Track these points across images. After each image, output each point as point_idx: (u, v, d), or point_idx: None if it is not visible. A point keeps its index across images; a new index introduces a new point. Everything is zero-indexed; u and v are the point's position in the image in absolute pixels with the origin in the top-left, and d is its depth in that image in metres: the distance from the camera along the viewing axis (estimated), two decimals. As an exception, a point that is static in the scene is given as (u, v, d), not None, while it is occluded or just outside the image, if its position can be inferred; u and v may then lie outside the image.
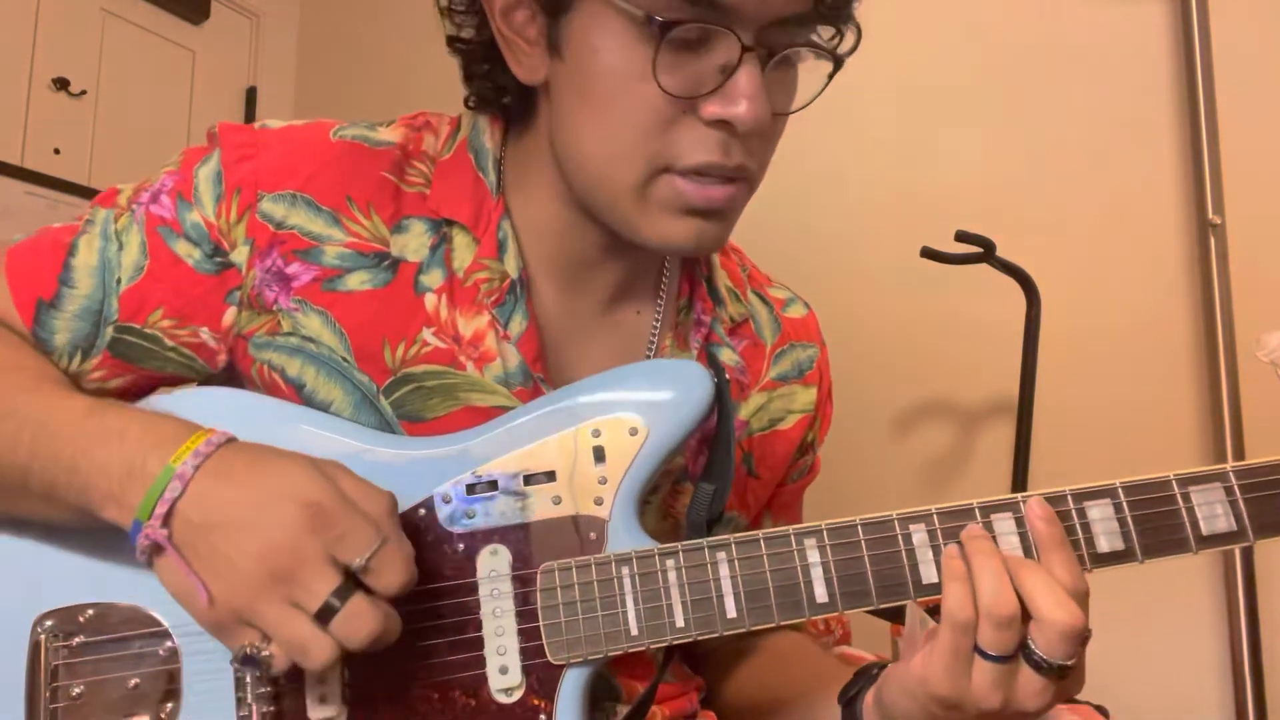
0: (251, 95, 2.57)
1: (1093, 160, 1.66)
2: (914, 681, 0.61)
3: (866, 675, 0.69)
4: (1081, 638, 0.58)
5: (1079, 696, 1.26)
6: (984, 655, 0.59)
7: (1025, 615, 0.59)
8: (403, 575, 0.58)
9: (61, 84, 2.16)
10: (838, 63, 0.70)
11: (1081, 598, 0.59)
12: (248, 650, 0.56)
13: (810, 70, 0.75)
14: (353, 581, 0.57)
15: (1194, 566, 1.50)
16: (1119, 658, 1.45)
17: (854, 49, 0.72)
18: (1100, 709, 1.25)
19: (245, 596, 0.56)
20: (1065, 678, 0.59)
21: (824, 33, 0.70)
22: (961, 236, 1.47)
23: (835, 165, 1.86)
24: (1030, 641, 0.58)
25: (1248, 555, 1.45)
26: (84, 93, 2.20)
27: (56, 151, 2.14)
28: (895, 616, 1.40)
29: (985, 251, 1.49)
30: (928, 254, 1.53)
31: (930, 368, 1.75)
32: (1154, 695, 1.48)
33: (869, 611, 1.49)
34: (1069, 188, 1.67)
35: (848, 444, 1.39)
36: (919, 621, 0.65)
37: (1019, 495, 0.63)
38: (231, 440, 0.62)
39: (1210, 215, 1.54)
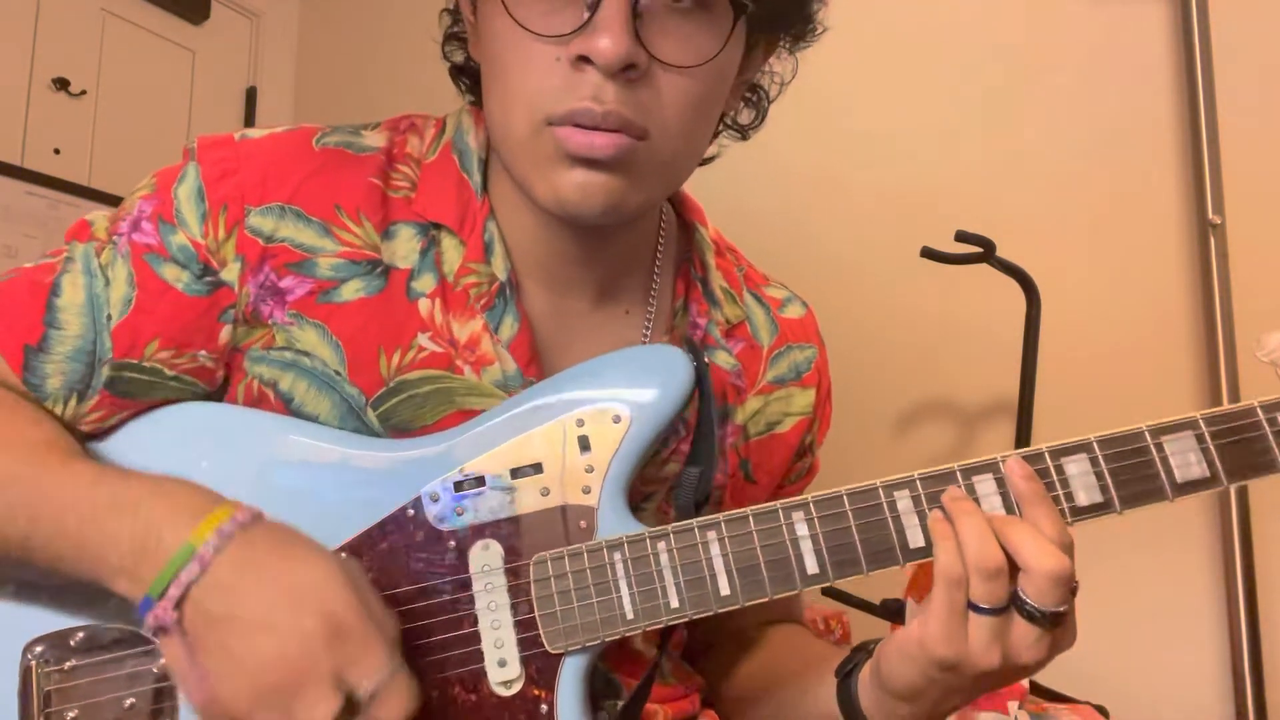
0: (251, 95, 2.57)
1: (1093, 160, 1.66)
2: (913, 645, 0.61)
3: (864, 650, 0.69)
4: (1070, 584, 0.59)
5: (1079, 696, 1.26)
6: (977, 610, 0.60)
7: (1014, 570, 0.60)
8: (404, 711, 0.56)
9: (61, 84, 2.16)
10: (738, 7, 0.67)
11: (1067, 548, 0.60)
12: None
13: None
14: (352, 707, 0.55)
15: (1194, 566, 1.50)
16: (1119, 658, 1.45)
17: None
18: (1100, 709, 1.25)
19: (243, 703, 0.55)
20: (1058, 626, 0.60)
21: None
22: (961, 236, 1.46)
23: (835, 165, 1.86)
24: (1021, 592, 0.59)
25: (1248, 554, 1.45)
26: (84, 93, 2.20)
27: (56, 151, 2.13)
28: (895, 616, 1.40)
29: (985, 251, 1.48)
30: (928, 254, 1.53)
31: (930, 368, 1.75)
32: (1154, 695, 1.47)
33: (869, 611, 1.49)
34: (1069, 188, 1.67)
35: (848, 444, 1.39)
36: (919, 618, 0.66)
37: (998, 456, 0.64)
38: (257, 518, 0.60)
39: (1210, 215, 1.54)
